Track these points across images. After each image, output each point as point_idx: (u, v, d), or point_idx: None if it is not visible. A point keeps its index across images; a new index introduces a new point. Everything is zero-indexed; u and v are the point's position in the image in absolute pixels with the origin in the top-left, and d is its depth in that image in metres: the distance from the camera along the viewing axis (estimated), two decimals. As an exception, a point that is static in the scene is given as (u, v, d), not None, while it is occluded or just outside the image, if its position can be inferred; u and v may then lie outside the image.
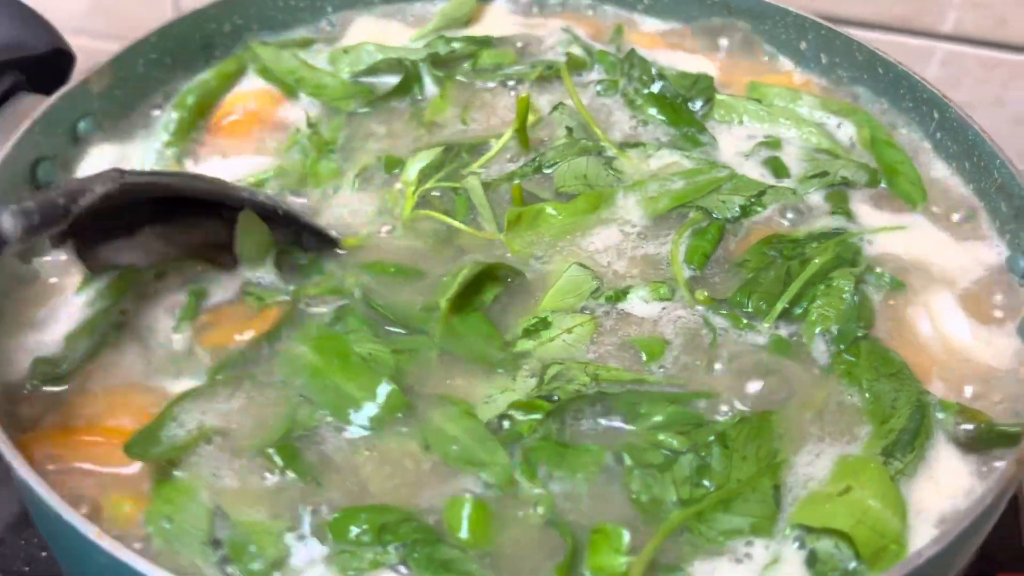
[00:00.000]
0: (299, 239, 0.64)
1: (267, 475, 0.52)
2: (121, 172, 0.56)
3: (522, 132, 0.71)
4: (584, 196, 0.67)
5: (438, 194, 0.68)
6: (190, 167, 0.71)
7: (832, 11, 1.03)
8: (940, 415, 0.55)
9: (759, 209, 0.66)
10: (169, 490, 0.50)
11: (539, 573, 0.48)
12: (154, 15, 1.24)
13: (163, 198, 0.60)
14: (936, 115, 0.73)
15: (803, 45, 0.81)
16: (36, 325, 0.60)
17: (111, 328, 0.59)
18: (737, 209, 0.66)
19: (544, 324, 0.59)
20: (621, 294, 0.61)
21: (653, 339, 0.59)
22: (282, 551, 0.48)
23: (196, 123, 0.74)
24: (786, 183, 0.69)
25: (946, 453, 0.54)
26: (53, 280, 0.62)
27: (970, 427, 0.54)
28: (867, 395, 0.56)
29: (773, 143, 0.72)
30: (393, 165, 0.71)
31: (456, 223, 0.66)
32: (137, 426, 0.54)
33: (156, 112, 0.75)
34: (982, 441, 0.54)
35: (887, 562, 0.47)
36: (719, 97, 0.75)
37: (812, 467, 0.52)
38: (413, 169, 0.69)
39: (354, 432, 0.54)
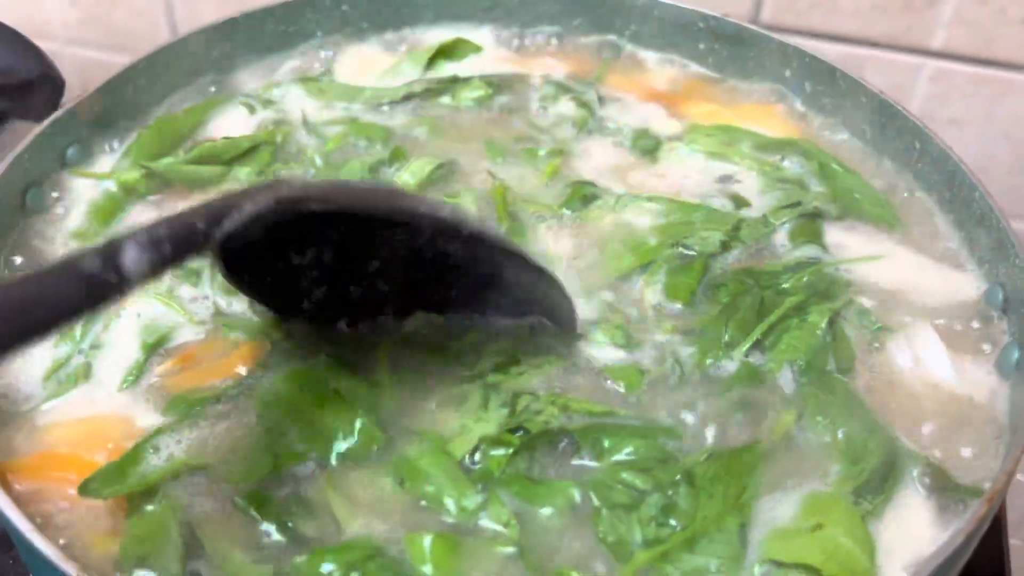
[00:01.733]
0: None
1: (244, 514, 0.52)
2: (280, 184, 0.47)
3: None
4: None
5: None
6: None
7: (822, 28, 1.03)
8: (909, 463, 0.55)
9: (737, 244, 0.66)
10: (141, 527, 0.50)
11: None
12: (146, 26, 1.26)
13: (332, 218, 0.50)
14: (918, 145, 0.73)
15: (788, 72, 0.82)
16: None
17: (81, 368, 0.59)
18: (718, 244, 0.66)
19: (513, 360, 0.59)
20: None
21: (628, 368, 0.59)
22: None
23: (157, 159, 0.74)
24: (754, 214, 0.70)
25: (914, 500, 0.54)
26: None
27: (933, 480, 0.54)
28: (839, 433, 0.56)
29: (729, 179, 0.74)
30: (399, 156, 0.73)
31: None
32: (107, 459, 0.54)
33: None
34: (946, 492, 0.54)
35: None
36: (665, 144, 0.76)
37: (778, 508, 0.52)
38: (416, 168, 0.71)
39: (328, 468, 0.54)
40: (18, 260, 0.66)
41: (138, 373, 0.59)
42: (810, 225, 0.69)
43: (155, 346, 0.60)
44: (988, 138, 1.08)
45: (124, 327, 0.61)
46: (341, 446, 0.54)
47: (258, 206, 0.44)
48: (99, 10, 1.29)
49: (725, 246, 0.66)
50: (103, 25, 1.29)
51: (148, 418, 0.57)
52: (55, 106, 0.76)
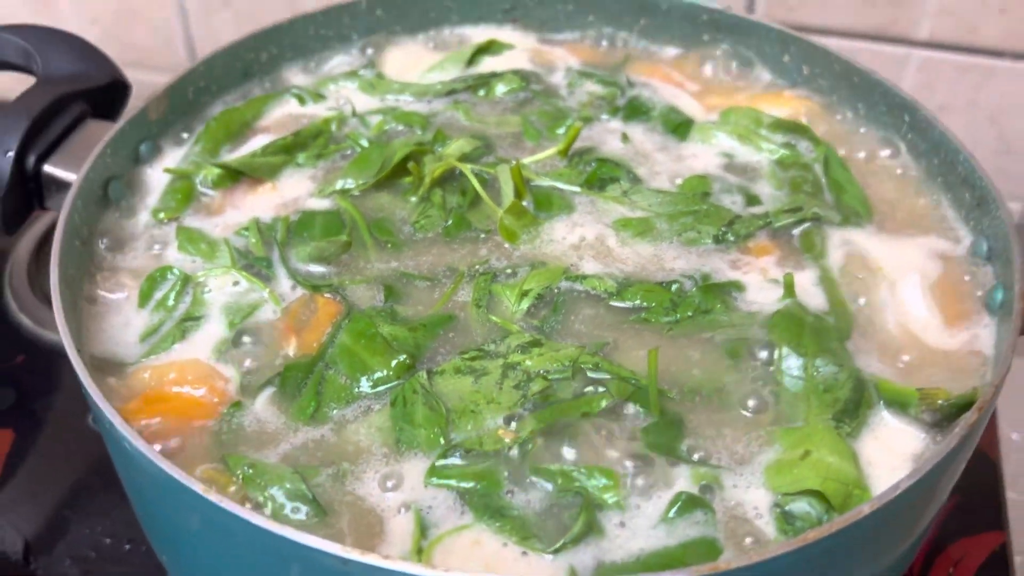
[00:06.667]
0: None
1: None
2: None
3: (564, 154, 0.79)
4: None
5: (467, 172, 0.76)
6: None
7: (813, 22, 1.11)
8: (884, 391, 0.62)
9: (731, 238, 0.72)
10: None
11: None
12: (162, 41, 1.32)
13: None
14: (907, 118, 0.80)
15: (786, 58, 0.88)
16: (114, 329, 0.68)
17: (176, 331, 0.67)
18: (709, 240, 0.72)
19: (535, 343, 0.64)
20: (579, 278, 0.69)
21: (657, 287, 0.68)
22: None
23: (223, 144, 0.82)
24: (758, 209, 0.76)
25: (889, 420, 0.61)
26: (117, 296, 0.71)
27: (932, 411, 0.60)
28: (815, 363, 0.62)
29: (741, 166, 0.80)
30: (440, 138, 0.80)
31: (480, 189, 0.74)
32: (210, 395, 0.63)
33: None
34: (946, 417, 0.60)
35: (855, 505, 0.54)
36: (697, 123, 0.83)
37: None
38: (456, 147, 0.78)
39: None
40: (104, 243, 0.74)
41: (227, 347, 0.66)
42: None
43: (240, 326, 0.67)
44: (974, 122, 1.14)
45: (213, 301, 0.69)
46: (377, 376, 0.63)
47: None
48: (118, 28, 1.34)
49: (717, 239, 0.72)
50: (122, 42, 1.35)
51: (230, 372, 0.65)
52: (123, 107, 0.84)
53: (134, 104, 0.81)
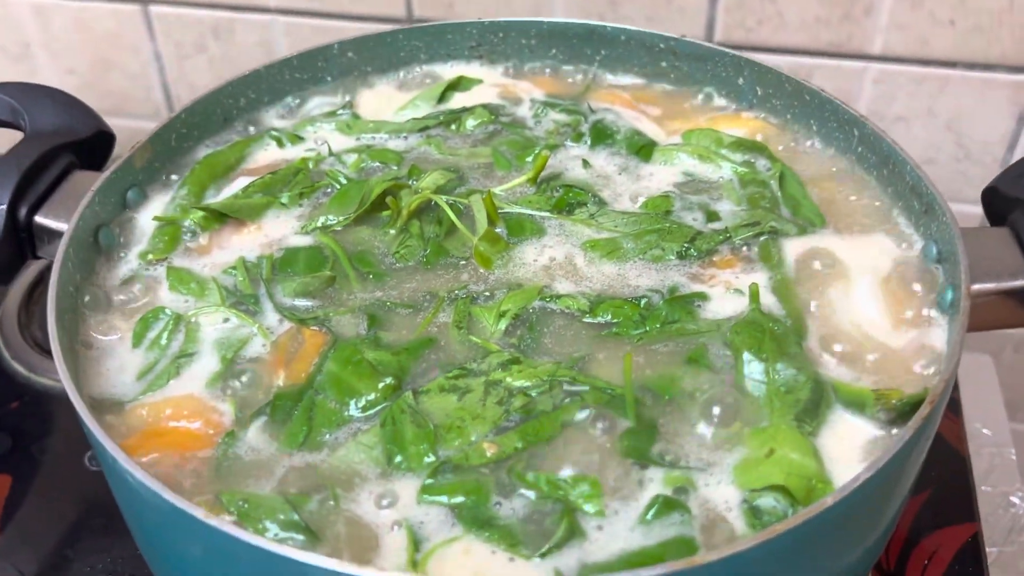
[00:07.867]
0: None
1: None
2: None
3: (533, 181, 0.83)
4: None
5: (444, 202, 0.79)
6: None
7: (771, 42, 1.15)
8: (842, 391, 0.66)
9: (694, 254, 0.76)
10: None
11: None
12: (140, 89, 1.36)
13: None
14: (856, 132, 0.84)
15: (741, 81, 0.92)
16: (110, 370, 0.71)
17: (171, 368, 0.70)
18: (672, 256, 0.76)
19: (514, 360, 0.68)
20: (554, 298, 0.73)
21: (626, 303, 0.71)
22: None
23: (208, 187, 0.86)
24: (718, 225, 0.79)
25: (848, 418, 0.65)
26: (111, 338, 0.74)
27: (888, 411, 0.64)
28: (775, 367, 0.66)
29: (704, 186, 0.84)
30: (415, 172, 0.84)
31: (455, 219, 0.78)
32: (205, 427, 0.66)
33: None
34: (901, 415, 0.64)
35: (818, 498, 0.57)
36: (660, 146, 0.87)
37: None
38: (431, 180, 0.82)
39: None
40: (97, 288, 0.77)
41: (220, 380, 0.69)
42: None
43: (232, 360, 0.70)
44: (932, 130, 1.17)
45: (205, 337, 0.73)
46: (365, 398, 0.66)
47: None
48: (95, 77, 1.38)
49: (680, 255, 0.76)
50: (99, 91, 1.39)
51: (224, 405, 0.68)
52: (108, 156, 0.87)
53: (115, 151, 0.84)
